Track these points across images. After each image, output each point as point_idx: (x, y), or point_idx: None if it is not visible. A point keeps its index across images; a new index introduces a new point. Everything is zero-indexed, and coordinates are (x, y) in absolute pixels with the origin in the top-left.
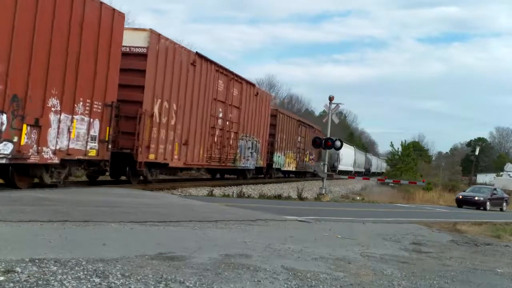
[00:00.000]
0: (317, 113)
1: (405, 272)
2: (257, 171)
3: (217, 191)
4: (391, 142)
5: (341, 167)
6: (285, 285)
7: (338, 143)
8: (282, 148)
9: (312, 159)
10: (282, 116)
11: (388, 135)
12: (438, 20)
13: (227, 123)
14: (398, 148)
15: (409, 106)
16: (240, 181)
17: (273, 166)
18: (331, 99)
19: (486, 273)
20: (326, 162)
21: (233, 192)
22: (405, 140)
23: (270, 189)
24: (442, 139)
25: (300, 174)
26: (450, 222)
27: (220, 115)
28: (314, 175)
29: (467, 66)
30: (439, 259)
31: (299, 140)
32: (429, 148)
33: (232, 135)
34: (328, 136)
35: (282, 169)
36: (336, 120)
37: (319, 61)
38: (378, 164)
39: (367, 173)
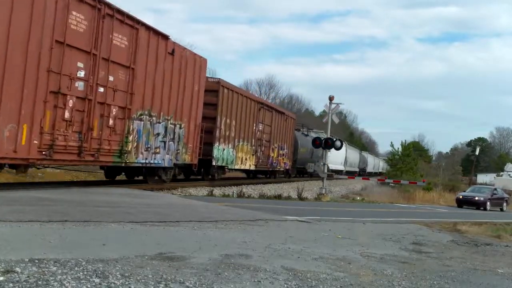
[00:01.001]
0: (317, 113)
1: (405, 272)
2: (189, 171)
3: (217, 191)
4: (391, 142)
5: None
6: (285, 285)
7: (338, 143)
8: (230, 139)
9: (284, 155)
10: (229, 93)
11: (388, 135)
12: (439, 20)
13: (102, 89)
14: (398, 148)
15: (409, 106)
16: (240, 181)
17: (214, 163)
18: (331, 99)
19: (486, 273)
20: (326, 162)
21: (233, 192)
22: (405, 140)
23: (270, 189)
24: (442, 139)
25: (267, 174)
26: (450, 222)
27: (82, 74)
28: (289, 175)
29: (468, 66)
30: (439, 259)
31: (260, 128)
32: (429, 148)
33: (115, 111)
34: (328, 136)
35: (230, 167)
36: (336, 120)
37: (319, 61)
38: (375, 164)
39: (362, 173)
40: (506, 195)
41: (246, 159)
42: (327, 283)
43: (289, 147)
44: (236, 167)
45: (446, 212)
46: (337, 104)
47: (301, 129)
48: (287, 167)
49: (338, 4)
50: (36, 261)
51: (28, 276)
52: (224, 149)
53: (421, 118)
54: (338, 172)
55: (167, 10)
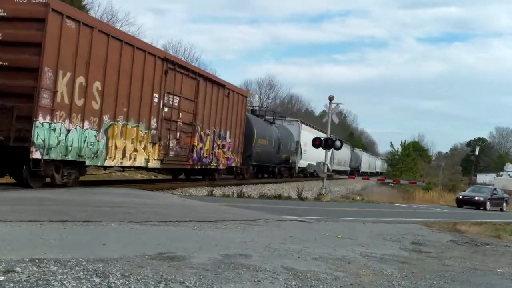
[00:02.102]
0: (317, 113)
1: (405, 272)
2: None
3: (217, 191)
4: (391, 142)
5: (303, 163)
6: (285, 285)
7: (338, 143)
8: (88, 113)
9: (228, 147)
10: (79, 29)
11: (388, 135)
12: (439, 20)
13: None
14: (398, 148)
15: (409, 106)
16: (240, 181)
17: (38, 156)
18: (331, 99)
19: (486, 273)
20: (327, 162)
21: (233, 192)
22: (405, 140)
23: (270, 189)
24: (442, 139)
25: (202, 175)
26: (450, 222)
27: None
28: (242, 175)
29: (468, 66)
30: (439, 259)
31: (172, 103)
32: (429, 148)
33: None
34: (328, 135)
35: (94, 163)
36: (336, 120)
37: (319, 61)
38: (371, 163)
39: (354, 173)
40: (506, 195)
41: (135, 150)
42: (327, 283)
43: (237, 136)
44: (110, 163)
45: (446, 212)
46: (337, 104)
47: (264, 115)
48: (231, 164)
49: (338, 4)
50: (37, 261)
51: (28, 276)
52: (69, 131)
53: (421, 118)
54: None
55: (167, 10)
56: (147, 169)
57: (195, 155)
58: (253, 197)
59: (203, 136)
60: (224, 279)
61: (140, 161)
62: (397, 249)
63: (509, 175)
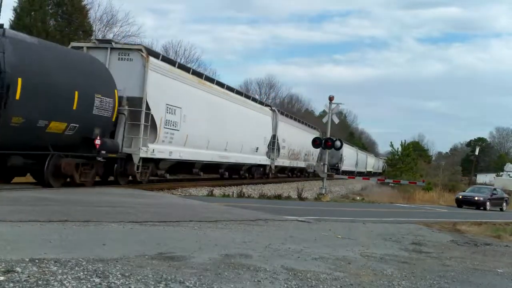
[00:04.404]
0: (317, 113)
1: (405, 272)
2: None
3: (217, 191)
4: (391, 142)
5: (164, 149)
6: (285, 285)
7: (338, 143)
8: None
9: None
10: None
11: (388, 135)
12: (439, 20)
13: None
14: (398, 148)
15: (409, 106)
16: (240, 180)
17: None
18: (331, 99)
19: (486, 273)
20: (326, 162)
21: (233, 192)
22: (405, 140)
23: (270, 189)
24: (442, 139)
25: None
26: (450, 222)
27: None
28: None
29: (468, 66)
30: (439, 259)
31: None
32: (429, 148)
33: None
34: (328, 136)
35: None
36: (336, 120)
37: (319, 61)
38: (358, 160)
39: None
40: (505, 195)
41: None
42: (327, 283)
43: None
44: None
45: (446, 212)
46: (337, 104)
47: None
48: None
49: (338, 4)
50: (37, 261)
51: (28, 276)
52: None
53: (421, 118)
54: (261, 168)
55: (167, 10)
56: None
57: None
58: (253, 197)
59: None
60: (224, 279)
61: None
62: (397, 249)
63: (509, 175)
